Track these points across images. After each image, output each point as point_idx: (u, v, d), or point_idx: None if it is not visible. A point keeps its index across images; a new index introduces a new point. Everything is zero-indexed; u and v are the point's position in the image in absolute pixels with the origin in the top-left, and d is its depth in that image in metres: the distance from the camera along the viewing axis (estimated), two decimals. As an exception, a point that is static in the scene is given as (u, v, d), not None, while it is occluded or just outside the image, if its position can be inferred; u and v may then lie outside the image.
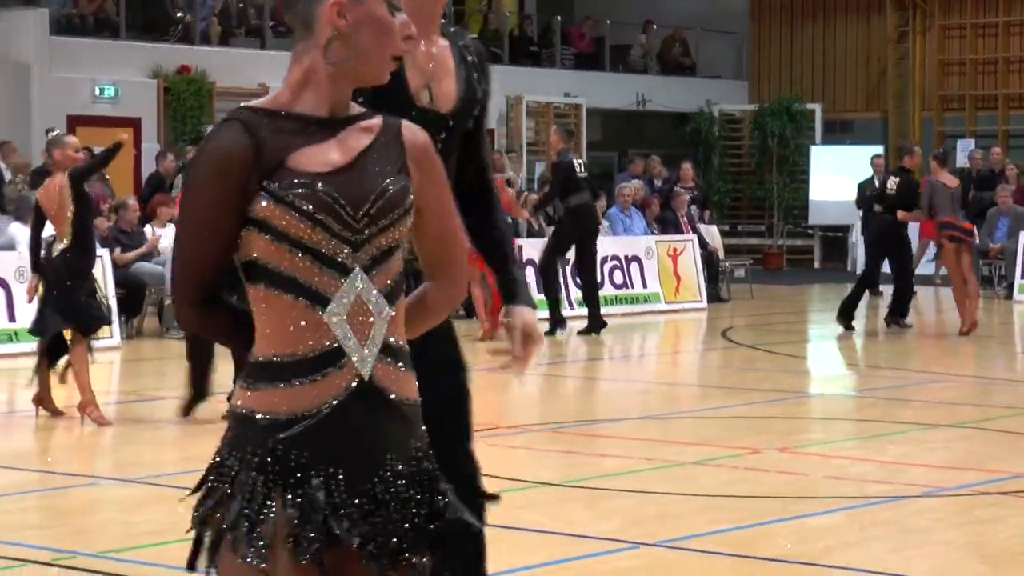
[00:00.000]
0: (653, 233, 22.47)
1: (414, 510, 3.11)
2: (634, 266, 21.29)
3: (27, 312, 15.59)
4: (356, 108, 3.19)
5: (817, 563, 7.27)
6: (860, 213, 23.99)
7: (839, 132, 32.26)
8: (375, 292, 3.12)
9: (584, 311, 18.54)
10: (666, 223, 23.03)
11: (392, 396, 3.14)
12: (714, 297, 22.70)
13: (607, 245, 20.58)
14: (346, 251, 3.09)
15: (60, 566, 6.89)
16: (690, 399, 13.88)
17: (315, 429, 3.06)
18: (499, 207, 4.35)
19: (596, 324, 18.17)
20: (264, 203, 3.03)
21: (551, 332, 17.36)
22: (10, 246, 16.26)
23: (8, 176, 19.64)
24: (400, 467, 3.12)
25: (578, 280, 18.79)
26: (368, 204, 3.09)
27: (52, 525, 8.26)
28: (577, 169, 18.05)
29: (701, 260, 22.24)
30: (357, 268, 3.09)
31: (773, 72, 33.06)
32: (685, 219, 23.08)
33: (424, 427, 3.21)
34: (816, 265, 30.74)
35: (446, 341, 4.02)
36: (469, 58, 4.11)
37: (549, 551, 7.50)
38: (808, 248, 31.27)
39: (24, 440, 11.18)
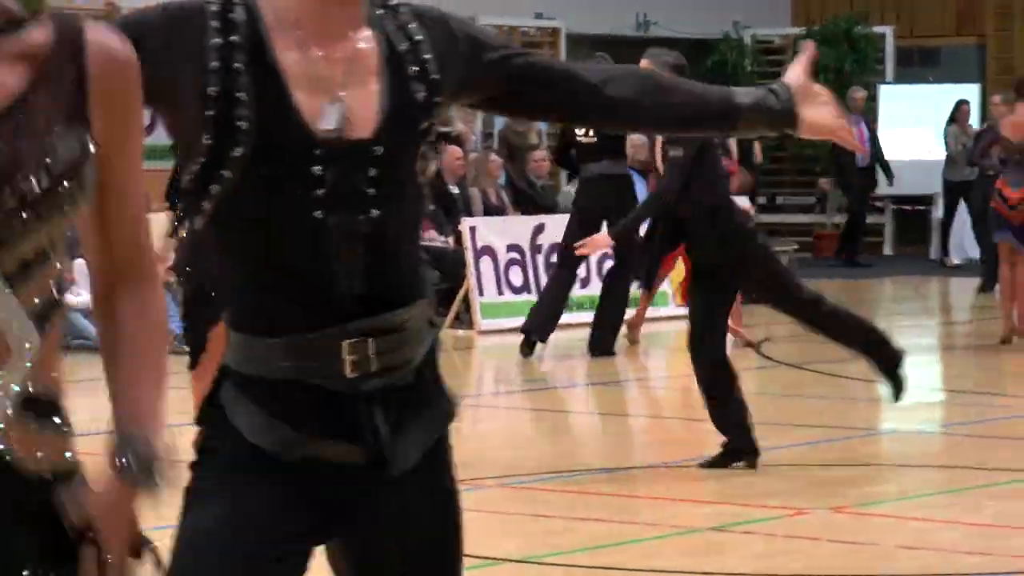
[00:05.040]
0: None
1: None
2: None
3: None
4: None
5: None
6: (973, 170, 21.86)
7: (919, 65, 29.38)
8: (19, 316, 2.43)
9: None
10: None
11: (37, 473, 2.51)
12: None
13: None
14: None
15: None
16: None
17: None
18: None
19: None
20: None
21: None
22: None
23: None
24: None
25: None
26: (19, 178, 2.41)
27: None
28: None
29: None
30: None
31: (827, -18, 29.88)
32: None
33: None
34: (887, 250, 28.06)
35: (439, 462, 3.21)
36: (403, 45, 3.09)
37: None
38: (876, 227, 28.10)
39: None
